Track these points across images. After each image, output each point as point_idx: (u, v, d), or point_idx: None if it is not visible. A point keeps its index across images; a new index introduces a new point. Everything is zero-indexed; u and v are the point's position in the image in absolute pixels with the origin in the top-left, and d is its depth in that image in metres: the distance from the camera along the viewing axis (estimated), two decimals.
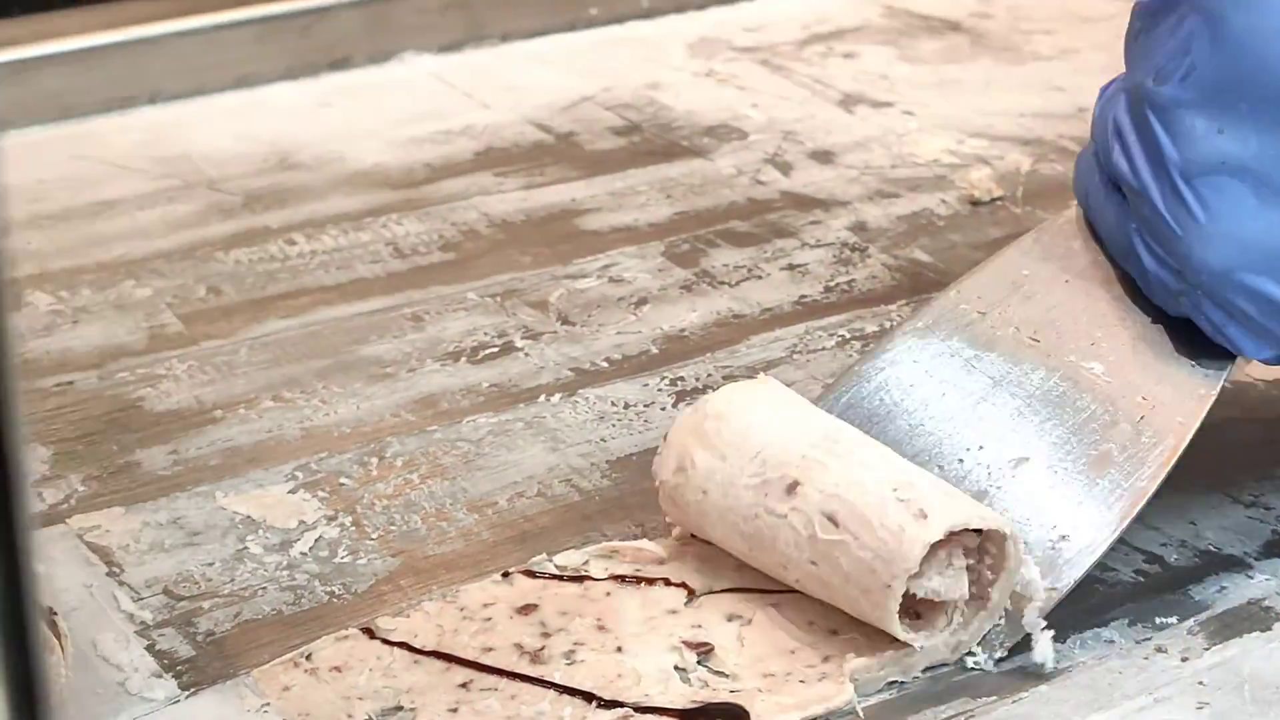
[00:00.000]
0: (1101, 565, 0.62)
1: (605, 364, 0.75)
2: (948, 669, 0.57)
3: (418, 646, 0.57)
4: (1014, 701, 0.55)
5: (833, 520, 0.56)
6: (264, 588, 0.61)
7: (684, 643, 0.57)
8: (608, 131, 0.98)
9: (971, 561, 0.57)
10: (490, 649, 0.56)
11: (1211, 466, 0.67)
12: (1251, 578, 0.61)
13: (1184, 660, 0.57)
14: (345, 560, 0.62)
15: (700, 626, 0.57)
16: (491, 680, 0.55)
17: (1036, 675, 0.56)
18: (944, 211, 0.88)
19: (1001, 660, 0.57)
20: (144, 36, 1.01)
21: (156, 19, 1.02)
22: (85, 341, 0.77)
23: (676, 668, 0.55)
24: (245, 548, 0.63)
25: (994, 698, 0.56)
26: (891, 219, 0.88)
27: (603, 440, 0.70)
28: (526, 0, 1.10)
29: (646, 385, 0.73)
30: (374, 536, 0.64)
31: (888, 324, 0.78)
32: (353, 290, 0.81)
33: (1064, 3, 1.16)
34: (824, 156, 0.95)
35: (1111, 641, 0.58)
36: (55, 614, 0.54)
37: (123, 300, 0.80)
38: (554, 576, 0.60)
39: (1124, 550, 0.62)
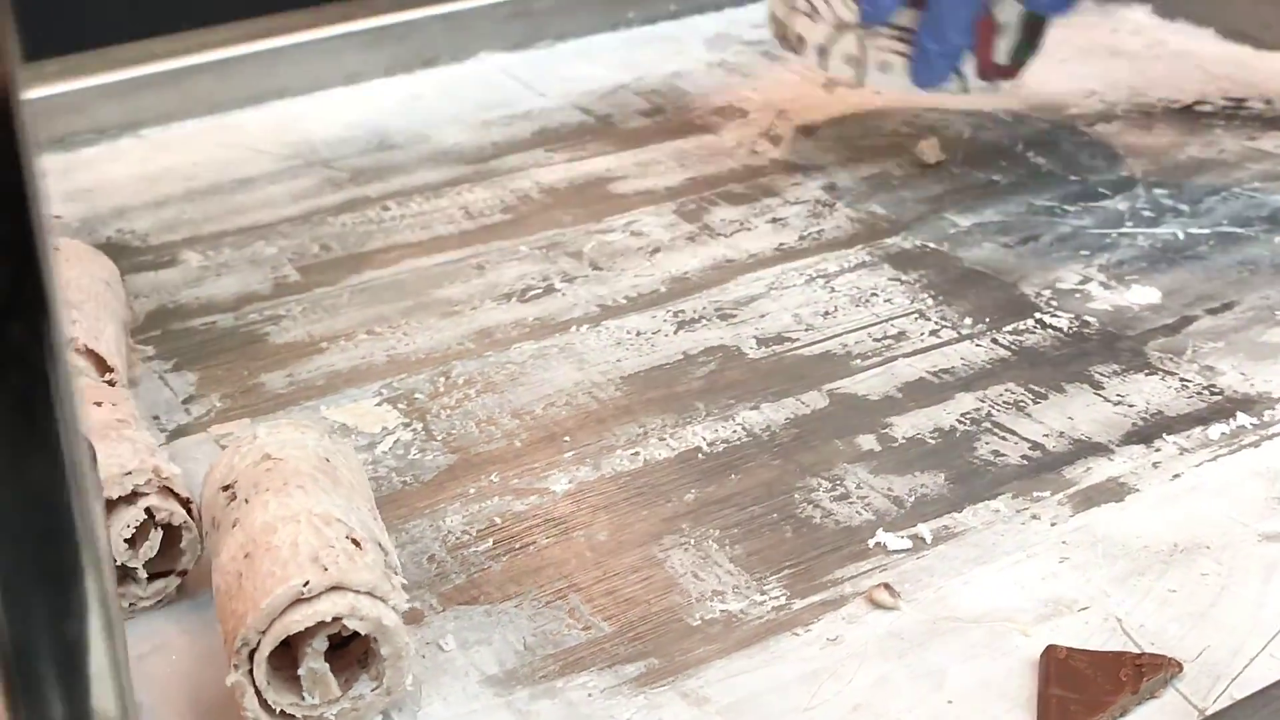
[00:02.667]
0: (995, 451, 0.65)
1: (624, 300, 0.78)
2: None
3: None
4: (918, 558, 0.59)
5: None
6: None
7: None
8: (637, 113, 1.00)
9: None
10: None
11: (1085, 374, 0.70)
12: (1112, 460, 0.64)
13: (1052, 525, 0.60)
14: (415, 457, 0.66)
15: None
16: None
17: (939, 539, 0.60)
18: (899, 173, 0.90)
19: None
20: (274, 47, 1.03)
21: (284, 31, 1.05)
22: (224, 290, 0.80)
23: None
24: None
25: (902, 554, 0.59)
26: (856, 180, 0.90)
27: (618, 361, 0.72)
28: (577, 7, 1.12)
29: (654, 317, 0.76)
30: (438, 439, 0.67)
31: (845, 265, 0.81)
32: (432, 245, 0.84)
33: None
34: (807, 130, 0.97)
35: (997, 510, 0.61)
36: (190, 503, 0.58)
37: (255, 257, 0.84)
38: None
39: (1014, 440, 0.65)
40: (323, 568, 0.50)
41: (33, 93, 0.97)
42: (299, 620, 0.49)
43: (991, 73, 0.84)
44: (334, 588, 0.50)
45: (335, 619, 0.49)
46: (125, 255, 0.84)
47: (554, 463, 0.65)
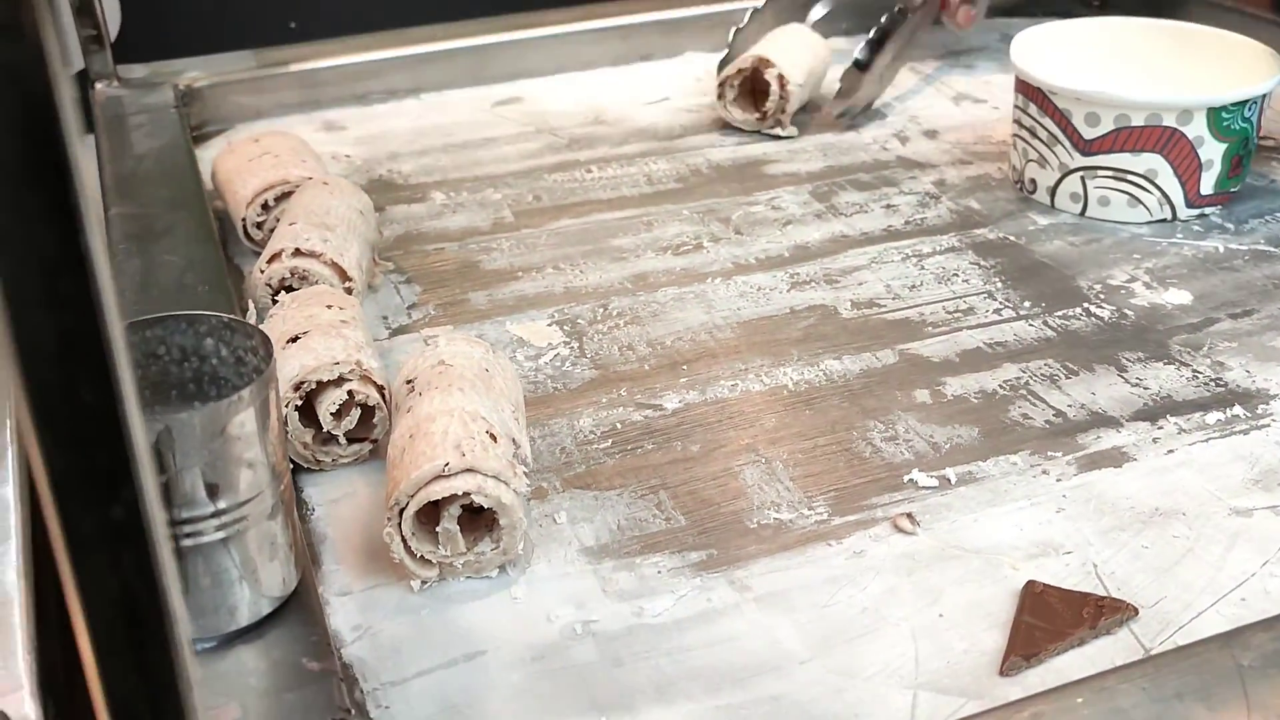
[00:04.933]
0: (1024, 414, 0.61)
1: (754, 261, 0.75)
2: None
3: None
4: (942, 495, 0.56)
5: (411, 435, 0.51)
6: (520, 381, 0.65)
7: None
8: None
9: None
10: None
11: (1113, 358, 0.65)
12: (1120, 432, 0.59)
13: (1058, 481, 0.56)
14: (568, 369, 0.65)
15: None
16: None
17: (961, 481, 0.57)
18: (998, 175, 0.86)
19: None
20: (526, 37, 1.03)
21: (537, 25, 1.04)
22: (456, 223, 0.80)
23: None
24: (515, 355, 0.66)
25: (929, 490, 0.57)
26: (963, 178, 0.85)
27: (738, 309, 0.70)
28: (775, 20, 1.09)
29: (774, 276, 0.73)
30: (588, 356, 0.66)
31: (938, 248, 0.77)
32: (616, 203, 0.83)
33: None
34: (931, 134, 0.92)
35: (1015, 463, 0.57)
36: (384, 389, 0.58)
37: (483, 201, 0.84)
38: None
39: (1042, 406, 0.62)
40: (461, 453, 0.50)
41: (343, 59, 0.99)
42: (438, 491, 0.49)
43: (1199, 203, 0.77)
44: (468, 470, 0.50)
45: (465, 494, 0.50)
46: (389, 190, 0.85)
47: (670, 385, 0.64)
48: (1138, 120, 0.74)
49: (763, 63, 0.89)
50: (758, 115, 0.90)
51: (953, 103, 0.97)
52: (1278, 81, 0.75)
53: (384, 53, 1.00)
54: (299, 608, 0.46)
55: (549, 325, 0.69)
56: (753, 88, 0.91)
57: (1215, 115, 0.73)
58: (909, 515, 0.54)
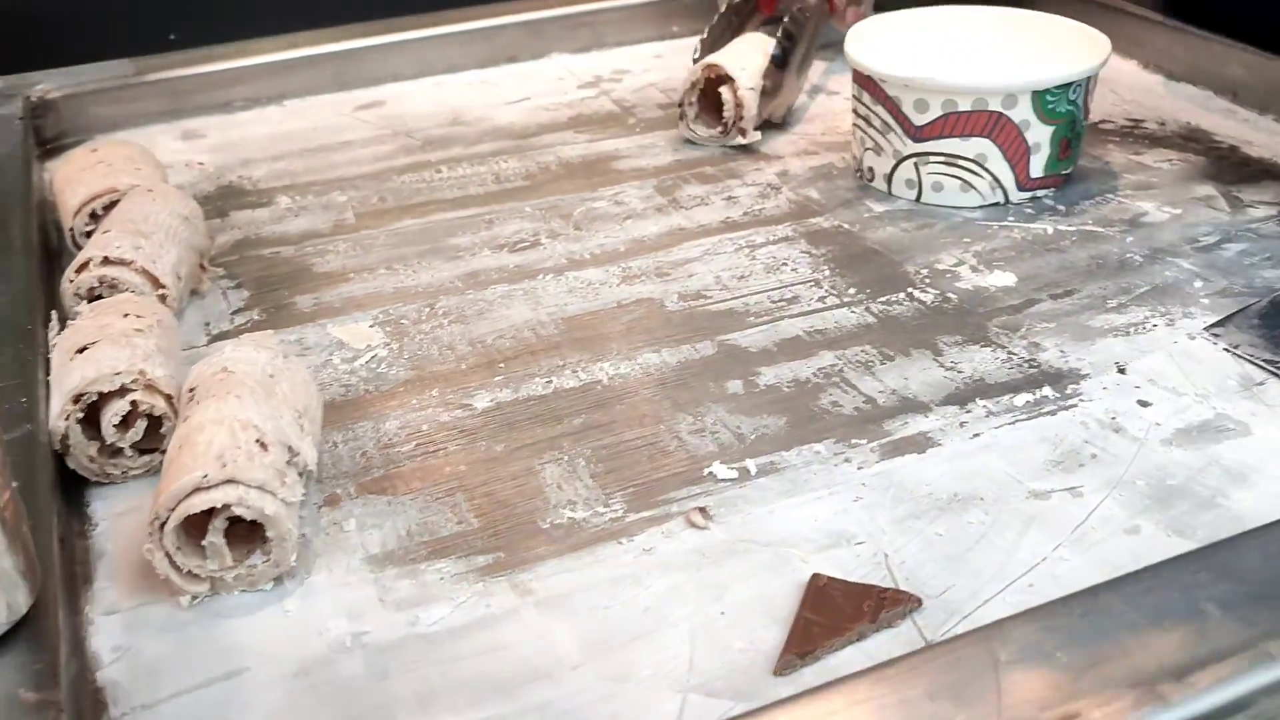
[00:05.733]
0: (834, 402, 0.58)
1: (589, 256, 0.71)
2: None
3: None
4: (740, 487, 0.52)
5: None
6: (331, 384, 0.60)
7: None
8: (655, 106, 0.92)
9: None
10: None
11: (930, 342, 0.61)
12: (928, 417, 0.55)
13: (859, 469, 0.52)
14: (383, 371, 0.61)
15: None
16: None
17: (762, 472, 0.53)
18: (841, 165, 0.82)
19: None
20: (390, 41, 0.98)
21: (400, 29, 0.99)
22: (296, 227, 0.76)
23: None
24: (331, 359, 0.62)
25: (728, 482, 0.53)
26: (806, 169, 0.81)
27: (564, 305, 0.66)
28: (630, 21, 1.04)
29: (607, 271, 0.69)
30: (405, 358, 0.62)
31: (771, 238, 0.73)
32: (461, 202, 0.78)
33: None
34: (782, 127, 0.89)
35: (818, 452, 0.53)
36: (173, 397, 0.53)
37: (328, 204, 0.79)
38: None
39: (854, 393, 0.58)
40: (222, 464, 0.45)
41: (204, 68, 0.94)
42: (197, 504, 0.45)
43: (1030, 185, 0.74)
44: (228, 481, 0.45)
45: (225, 505, 0.45)
46: (236, 195, 0.80)
47: (484, 384, 0.60)
48: (964, 105, 0.70)
49: (710, 70, 0.83)
50: (719, 129, 0.84)
51: (806, 95, 0.93)
52: (1101, 63, 0.72)
53: (245, 60, 0.95)
54: (31, 634, 0.42)
55: (371, 327, 0.65)
56: (713, 102, 0.84)
57: (1040, 98, 0.70)
58: (702, 509, 0.50)
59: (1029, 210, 0.74)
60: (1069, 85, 0.70)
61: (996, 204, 0.74)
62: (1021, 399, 0.57)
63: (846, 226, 0.73)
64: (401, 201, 0.79)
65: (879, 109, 0.73)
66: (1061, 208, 0.74)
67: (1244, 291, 0.64)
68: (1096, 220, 0.73)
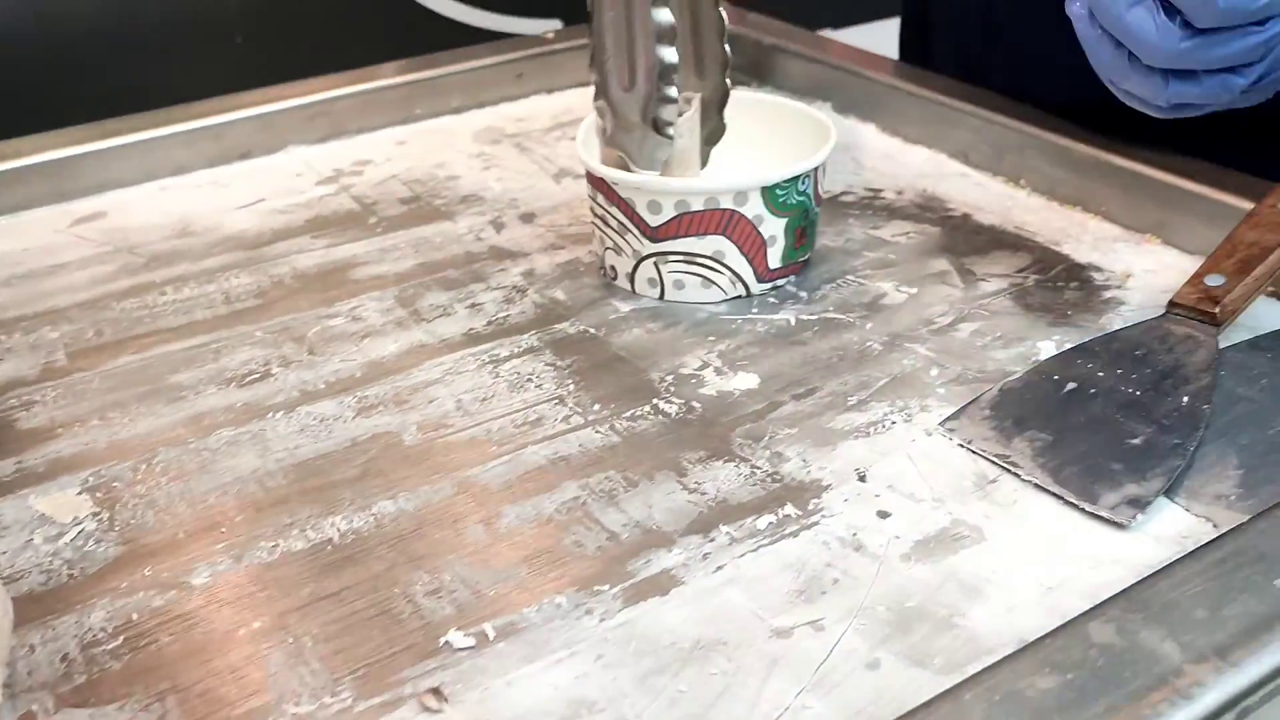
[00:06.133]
0: (577, 543, 0.56)
1: (323, 386, 0.67)
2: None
3: None
4: (478, 656, 0.49)
5: None
6: (31, 571, 0.54)
7: None
8: (397, 201, 0.89)
9: None
10: None
11: (675, 461, 0.60)
12: (671, 551, 0.54)
13: (601, 621, 0.50)
14: (90, 549, 0.55)
15: None
16: None
17: (501, 635, 0.50)
18: (588, 260, 0.80)
19: None
20: (110, 146, 0.92)
21: (120, 133, 0.93)
22: (1, 375, 0.70)
23: None
24: (32, 539, 0.56)
25: (465, 651, 0.50)
26: (552, 266, 0.79)
27: (295, 449, 0.62)
28: (370, 106, 1.01)
29: (341, 403, 0.65)
30: (116, 529, 0.56)
31: (515, 350, 0.71)
32: (186, 331, 0.73)
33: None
34: (528, 218, 0.86)
35: (559, 605, 0.51)
36: None
37: (38, 341, 0.73)
38: None
39: (596, 530, 0.56)
40: None
41: None
42: None
43: (769, 277, 0.73)
44: None
45: None
46: None
47: (203, 555, 0.55)
48: (697, 205, 0.69)
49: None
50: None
51: (554, 180, 0.92)
52: (827, 153, 0.72)
53: None
54: None
55: (79, 494, 0.59)
56: None
57: (770, 193, 0.70)
58: (435, 690, 0.47)
59: (772, 300, 0.74)
60: (797, 178, 0.70)
61: (739, 296, 0.73)
62: (764, 521, 0.56)
63: (592, 332, 0.71)
64: (121, 334, 0.73)
65: (614, 210, 0.72)
66: (804, 294, 0.74)
67: (977, 377, 0.65)
68: (837, 306, 0.73)
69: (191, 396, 0.67)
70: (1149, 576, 0.47)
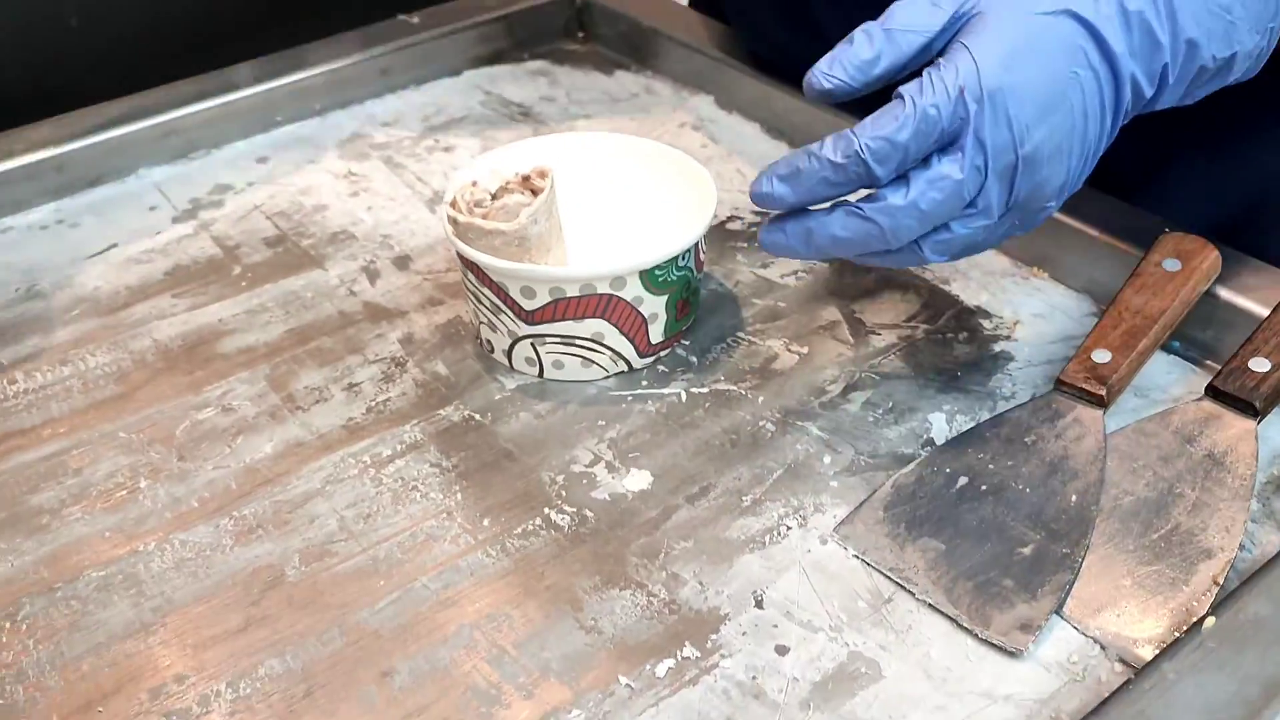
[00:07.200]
0: (473, 701, 0.54)
1: (195, 504, 0.63)
2: None
3: None
4: None
5: None
6: None
7: None
8: (263, 243, 0.83)
9: None
10: None
11: (569, 593, 0.58)
12: (570, 712, 0.53)
13: None
14: None
15: None
16: None
17: None
18: (467, 320, 0.77)
19: None
20: None
21: None
22: None
23: None
24: None
25: None
26: (432, 329, 0.75)
27: (172, 592, 0.58)
28: (229, 117, 0.94)
29: (217, 527, 0.62)
30: None
31: (398, 447, 0.68)
32: (44, 432, 0.68)
33: (605, 87, 1.02)
34: (403, 262, 0.82)
35: None
36: None
37: None
38: None
39: (491, 689, 0.55)
40: None
41: None
42: None
43: (651, 351, 0.70)
44: None
45: None
46: None
47: None
48: (573, 291, 0.66)
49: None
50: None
51: (427, 208, 0.87)
52: (707, 223, 0.70)
53: None
54: None
55: None
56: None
57: (649, 275, 0.67)
58: None
59: (662, 369, 0.72)
60: (676, 257, 0.68)
61: (622, 372, 0.71)
62: (663, 667, 0.55)
63: (478, 419, 0.69)
64: None
65: (487, 290, 0.69)
66: (693, 359, 0.72)
67: (869, 465, 0.65)
68: (728, 374, 0.71)
69: (54, 525, 0.63)
70: None
